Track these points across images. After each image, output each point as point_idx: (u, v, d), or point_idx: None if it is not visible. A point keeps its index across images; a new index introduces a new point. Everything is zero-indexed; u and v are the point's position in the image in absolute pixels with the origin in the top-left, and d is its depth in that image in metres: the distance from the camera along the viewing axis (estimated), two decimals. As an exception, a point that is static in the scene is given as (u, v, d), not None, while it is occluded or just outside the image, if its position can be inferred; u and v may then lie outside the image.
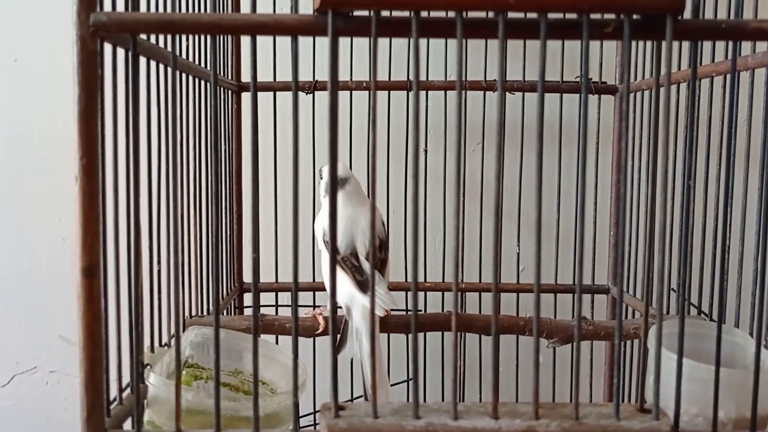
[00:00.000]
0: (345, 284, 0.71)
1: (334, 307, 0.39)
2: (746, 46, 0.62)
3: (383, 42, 0.87)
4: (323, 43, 0.37)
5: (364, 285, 0.69)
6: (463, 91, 0.89)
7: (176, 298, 0.45)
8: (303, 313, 0.78)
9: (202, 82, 0.71)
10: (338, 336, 0.74)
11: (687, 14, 0.39)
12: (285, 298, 0.94)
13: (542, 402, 0.39)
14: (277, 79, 0.89)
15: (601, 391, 0.99)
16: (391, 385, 0.97)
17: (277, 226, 0.90)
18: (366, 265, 0.71)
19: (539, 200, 0.38)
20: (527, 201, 0.96)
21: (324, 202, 0.77)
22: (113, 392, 0.45)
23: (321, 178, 0.78)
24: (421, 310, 0.93)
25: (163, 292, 0.55)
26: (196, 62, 0.71)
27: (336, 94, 0.37)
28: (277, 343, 0.79)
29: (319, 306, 0.85)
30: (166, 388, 0.51)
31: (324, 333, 0.76)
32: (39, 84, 1.01)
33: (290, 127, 0.39)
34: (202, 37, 0.72)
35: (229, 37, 0.88)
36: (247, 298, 0.95)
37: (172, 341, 0.59)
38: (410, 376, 0.95)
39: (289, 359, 0.61)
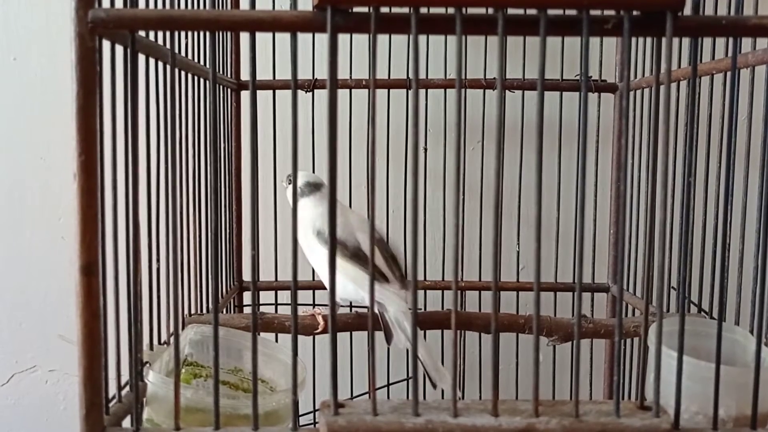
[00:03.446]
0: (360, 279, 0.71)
1: (334, 305, 0.39)
2: (747, 43, 0.62)
3: (382, 39, 0.87)
4: (322, 40, 0.37)
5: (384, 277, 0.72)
6: (463, 89, 0.89)
7: (175, 296, 0.45)
8: (302, 311, 0.78)
9: (201, 80, 0.71)
10: (383, 330, 0.73)
11: (687, 11, 0.38)
12: (284, 296, 0.94)
13: (542, 399, 0.39)
14: (277, 77, 0.89)
15: (601, 388, 0.99)
16: (391, 384, 0.97)
17: (277, 224, 0.90)
18: (380, 260, 0.72)
19: (539, 198, 0.38)
20: (527, 199, 0.96)
21: (303, 206, 0.76)
22: (112, 390, 0.45)
23: (288, 184, 0.79)
24: (420, 309, 0.92)
25: (162, 290, 0.55)
26: (195, 60, 0.71)
27: (335, 92, 0.37)
28: (276, 341, 0.79)
29: (318, 305, 0.85)
30: (165, 386, 0.51)
31: (324, 332, 0.76)
32: (38, 82, 1.01)
33: (289, 125, 0.39)
34: (201, 35, 0.72)
35: (228, 35, 0.88)
36: (247, 297, 0.95)
37: (171, 339, 0.59)
38: (410, 375, 0.95)
39: (288, 357, 0.61)
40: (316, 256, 0.75)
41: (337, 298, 0.75)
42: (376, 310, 0.72)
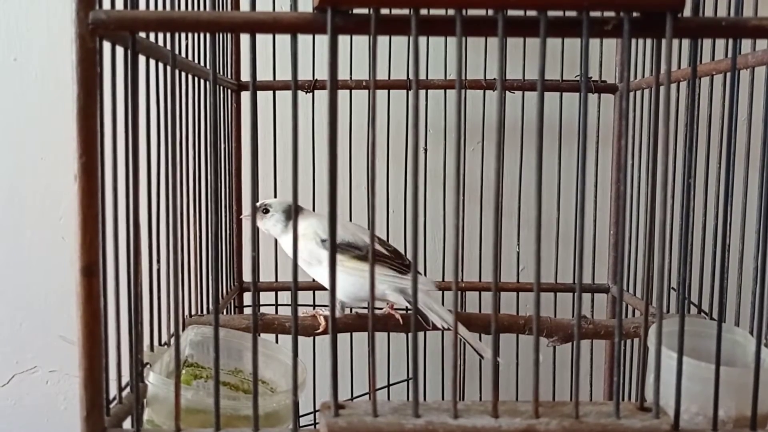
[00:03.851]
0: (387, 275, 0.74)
1: (333, 305, 0.39)
2: (746, 44, 0.62)
3: (383, 40, 0.87)
4: (323, 41, 0.37)
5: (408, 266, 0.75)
6: (463, 90, 0.89)
7: (176, 296, 0.45)
8: (302, 312, 0.78)
9: (202, 81, 0.71)
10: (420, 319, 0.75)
11: (687, 12, 0.38)
12: (285, 297, 0.94)
13: (542, 401, 0.39)
14: (277, 78, 0.89)
15: (601, 389, 0.99)
16: (391, 384, 0.97)
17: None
18: (395, 251, 0.77)
19: (539, 199, 0.38)
20: (527, 200, 0.96)
21: (284, 235, 0.76)
22: (113, 391, 0.45)
23: (265, 213, 0.75)
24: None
25: (163, 291, 0.55)
26: (196, 61, 0.71)
27: (335, 93, 0.37)
28: (276, 342, 0.79)
29: (319, 306, 0.85)
30: (165, 387, 0.51)
31: (324, 332, 0.76)
32: (38, 82, 1.01)
33: (290, 126, 0.39)
34: (202, 36, 0.72)
35: (229, 36, 0.88)
36: (247, 297, 0.95)
37: (172, 340, 0.59)
38: (410, 375, 0.95)
39: (288, 358, 0.61)
40: (325, 266, 0.74)
41: (345, 299, 0.75)
42: (404, 300, 0.74)
